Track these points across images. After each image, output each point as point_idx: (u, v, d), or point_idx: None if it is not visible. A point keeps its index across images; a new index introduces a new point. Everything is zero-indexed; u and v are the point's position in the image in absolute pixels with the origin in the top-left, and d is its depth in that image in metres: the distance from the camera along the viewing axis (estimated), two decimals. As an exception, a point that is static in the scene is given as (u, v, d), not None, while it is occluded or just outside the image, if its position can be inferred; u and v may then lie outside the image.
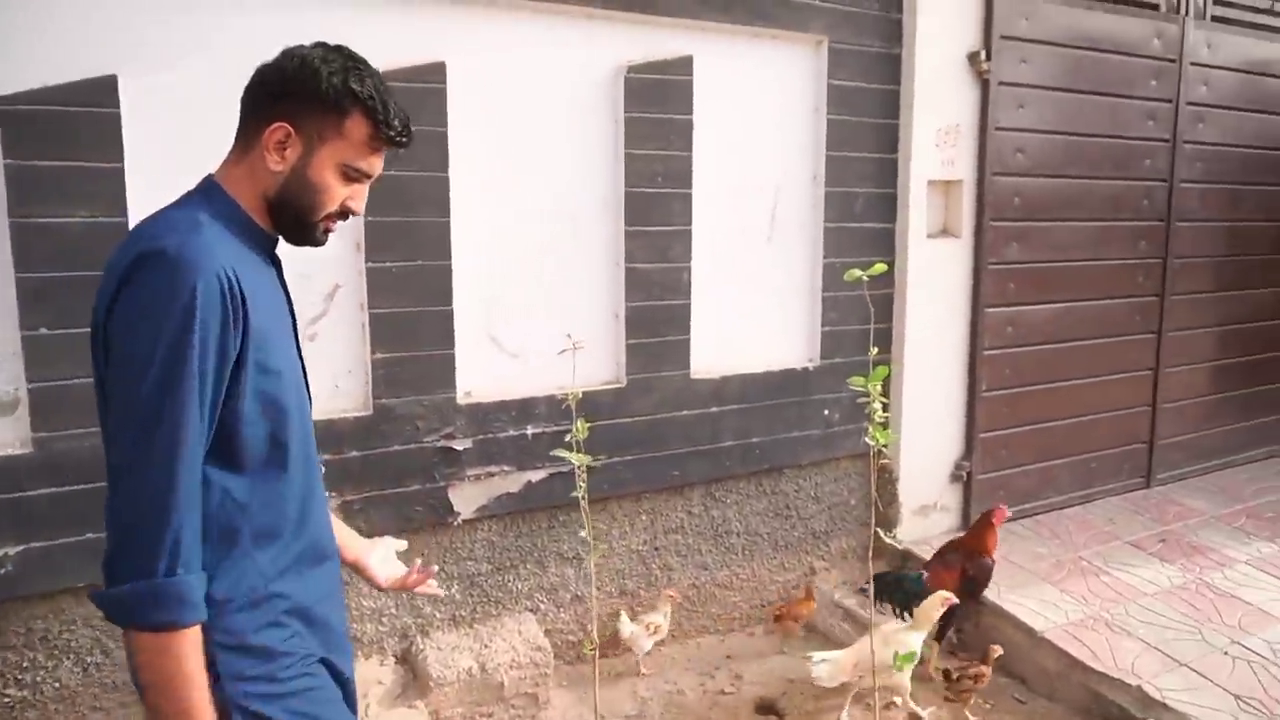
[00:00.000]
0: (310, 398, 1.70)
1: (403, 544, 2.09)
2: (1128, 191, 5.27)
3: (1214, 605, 4.24)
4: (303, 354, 1.70)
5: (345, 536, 1.95)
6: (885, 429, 2.98)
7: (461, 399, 3.61)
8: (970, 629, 4.25)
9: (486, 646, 3.58)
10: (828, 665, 3.51)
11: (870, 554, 3.34)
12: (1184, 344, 5.64)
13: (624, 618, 3.89)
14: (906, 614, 3.86)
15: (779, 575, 4.53)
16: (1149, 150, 5.30)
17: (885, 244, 4.58)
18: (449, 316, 3.53)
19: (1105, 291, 5.27)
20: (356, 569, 1.95)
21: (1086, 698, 3.71)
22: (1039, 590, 4.26)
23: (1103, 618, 4.10)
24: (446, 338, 3.54)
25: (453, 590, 3.66)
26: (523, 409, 3.67)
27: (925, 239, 4.66)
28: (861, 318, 4.38)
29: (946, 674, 3.65)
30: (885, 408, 3.04)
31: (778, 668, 4.04)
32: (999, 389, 4.90)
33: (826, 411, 4.48)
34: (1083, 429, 5.25)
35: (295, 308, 1.72)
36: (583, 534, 3.86)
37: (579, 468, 2.65)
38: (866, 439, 2.99)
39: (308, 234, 1.63)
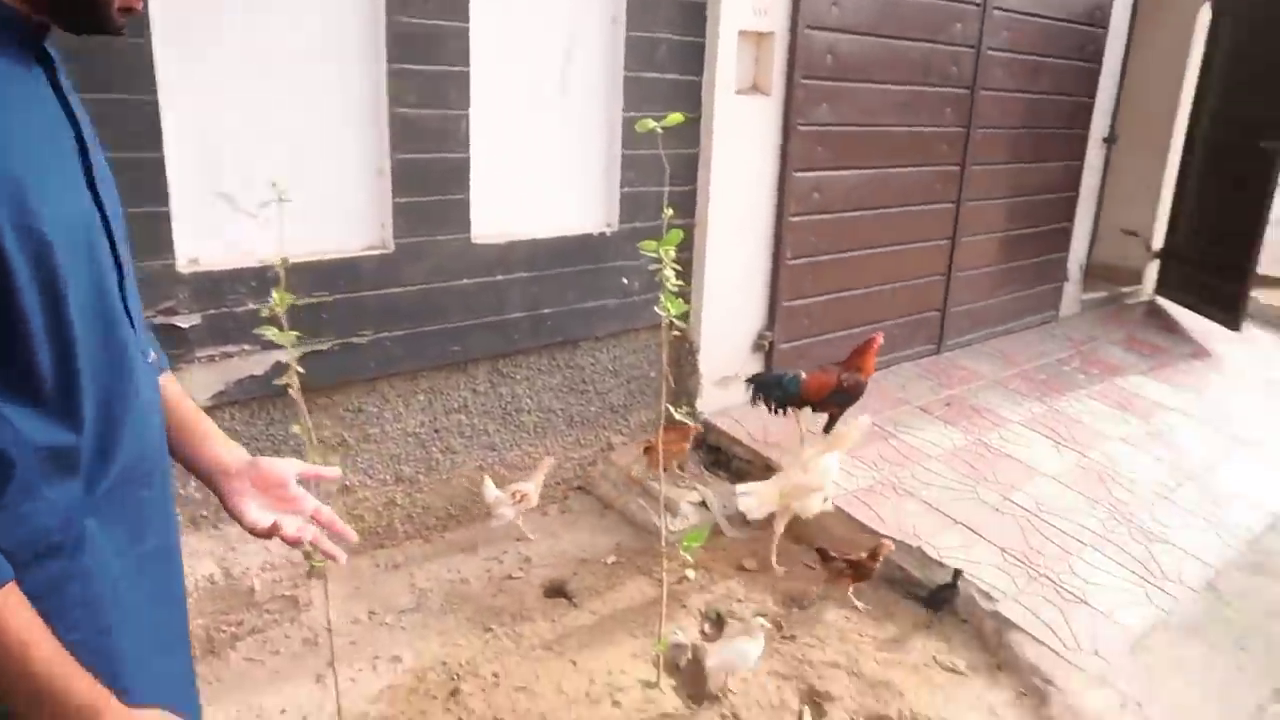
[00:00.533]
0: (119, 254, 1.19)
1: (333, 471, 1.60)
2: (937, 56, 5.14)
3: (990, 464, 4.44)
4: (100, 188, 1.16)
5: (208, 445, 1.45)
6: (678, 298, 2.72)
7: (184, 267, 3.02)
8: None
9: (233, 549, 3.16)
10: (752, 498, 3.59)
11: (660, 428, 3.11)
12: (979, 214, 5.75)
13: (488, 483, 3.71)
14: (781, 411, 4.29)
15: (574, 452, 4.32)
16: (960, 13, 5.17)
17: (691, 99, 4.22)
18: (158, 166, 2.88)
19: (911, 159, 5.21)
20: (215, 492, 1.45)
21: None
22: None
23: (890, 482, 4.19)
24: (157, 193, 2.90)
25: (189, 487, 3.17)
26: (264, 278, 3.12)
27: (734, 95, 4.33)
28: (664, 179, 4.06)
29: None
30: (680, 275, 2.77)
31: (570, 548, 3.87)
32: (803, 257, 4.78)
33: (625, 280, 4.19)
34: (883, 298, 5.28)
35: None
36: (350, 415, 3.50)
37: (289, 351, 2.20)
38: (659, 309, 2.73)
39: (99, 11, 1.09)
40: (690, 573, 3.31)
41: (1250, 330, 7.06)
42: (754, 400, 4.33)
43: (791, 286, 4.77)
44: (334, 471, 1.60)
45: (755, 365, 4.77)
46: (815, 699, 3.03)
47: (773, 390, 4.29)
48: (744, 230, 4.51)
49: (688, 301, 3.66)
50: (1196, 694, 3.15)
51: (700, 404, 4.58)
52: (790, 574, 3.78)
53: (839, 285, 5.02)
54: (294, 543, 1.43)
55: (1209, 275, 6.94)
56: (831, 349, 5.02)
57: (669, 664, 3.08)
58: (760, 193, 4.52)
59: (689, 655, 3.10)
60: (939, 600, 3.48)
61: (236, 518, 1.43)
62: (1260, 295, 8.27)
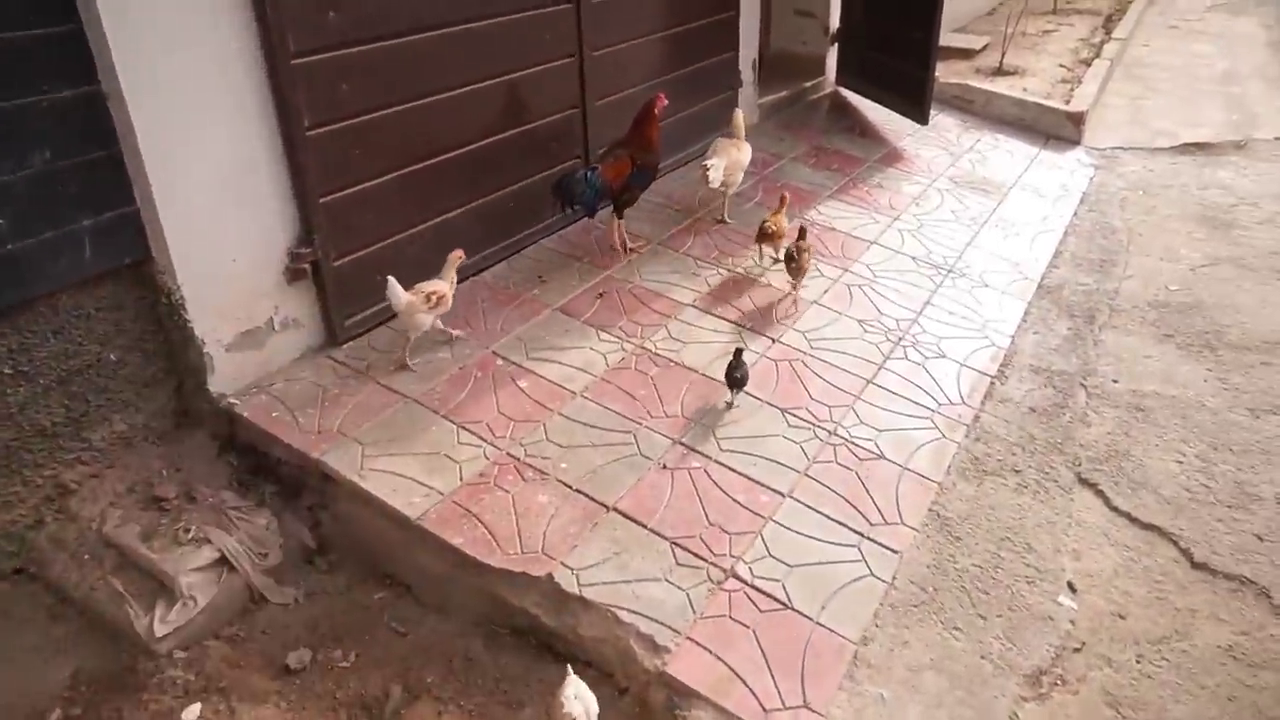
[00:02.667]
0: None
1: None
2: None
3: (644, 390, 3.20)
4: None
5: None
6: None
7: None
8: (329, 521, 2.75)
9: None
10: (715, 170, 3.98)
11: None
12: (612, 15, 4.20)
13: (393, 284, 3.00)
14: (591, 214, 3.89)
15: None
16: None
17: None
18: None
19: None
20: None
21: (480, 599, 2.47)
22: (421, 444, 2.81)
23: (513, 459, 2.81)
24: None
25: None
26: None
27: None
28: None
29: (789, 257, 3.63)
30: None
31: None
32: (338, 120, 3.02)
33: (-33, 219, 2.27)
34: (496, 155, 3.69)
35: None
36: None
37: None
38: None
39: None
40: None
41: (933, 118, 6.34)
42: (562, 209, 3.81)
43: (329, 170, 3.02)
44: None
45: (300, 300, 3.08)
46: None
47: (580, 191, 3.71)
48: (208, 90, 2.65)
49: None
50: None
51: (216, 384, 2.87)
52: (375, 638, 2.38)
53: (415, 151, 3.34)
54: None
55: (892, 58, 6.00)
56: (423, 247, 3.42)
57: None
58: (223, 18, 2.64)
59: None
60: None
61: None
62: (939, 72, 7.66)
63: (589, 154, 4.16)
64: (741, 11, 5.23)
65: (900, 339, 3.62)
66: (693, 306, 3.68)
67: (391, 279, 2.97)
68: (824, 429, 3.05)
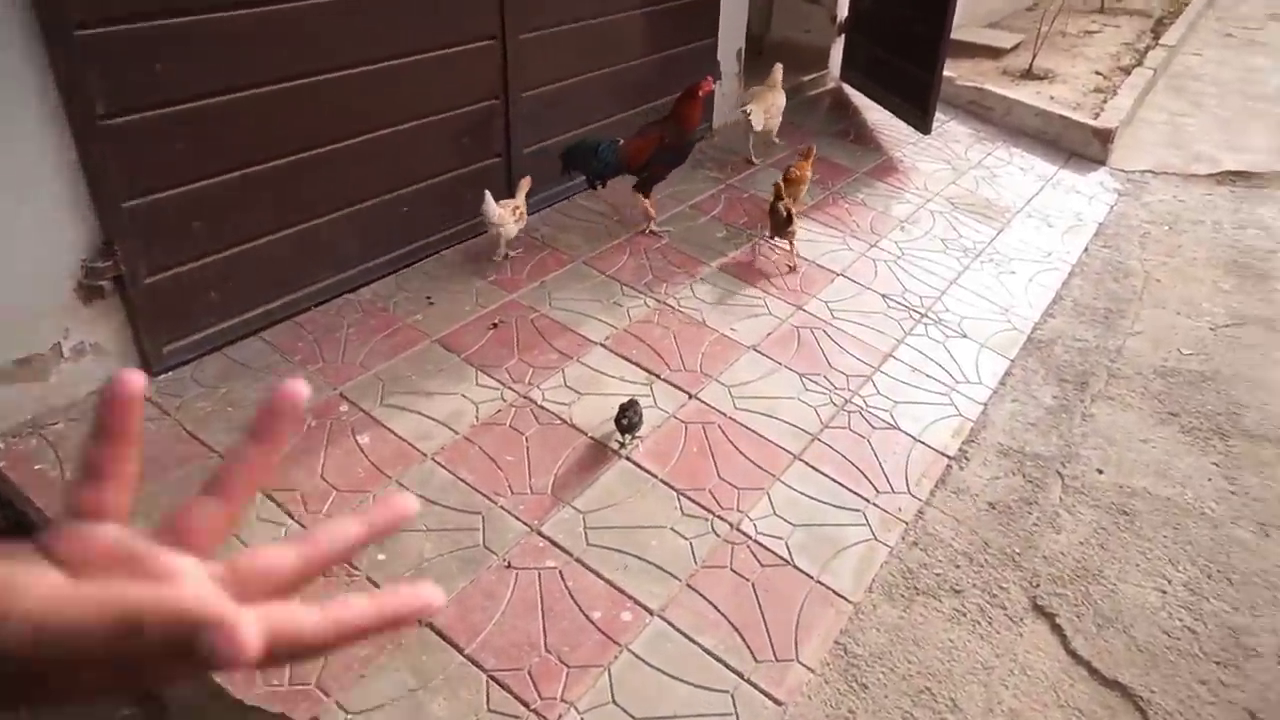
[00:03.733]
0: None
1: None
2: None
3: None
4: None
5: None
6: None
7: None
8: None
9: None
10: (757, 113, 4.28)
11: None
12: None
13: (489, 198, 3.24)
14: (600, 184, 3.69)
15: None
16: None
17: None
18: None
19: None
20: None
21: None
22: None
23: None
24: None
25: None
26: None
27: None
28: None
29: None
30: None
31: None
32: (155, 104, 2.46)
33: None
34: (377, 155, 3.14)
35: None
36: None
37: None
38: None
39: None
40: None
41: (938, 125, 5.68)
42: (565, 174, 3.69)
43: (138, 168, 2.47)
44: None
45: (101, 322, 2.55)
46: None
47: (588, 162, 3.60)
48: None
49: None
50: None
51: (-20, 419, 2.37)
52: None
53: (267, 146, 2.78)
54: None
55: (898, 56, 5.33)
56: (279, 264, 2.87)
57: None
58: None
59: None
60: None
61: None
62: (955, 71, 6.96)
63: (511, 153, 3.58)
64: (723, -4, 4.60)
65: (846, 402, 3.04)
66: (603, 345, 3.12)
67: (487, 194, 3.24)
68: (726, 521, 2.49)
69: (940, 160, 5.18)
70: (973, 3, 8.18)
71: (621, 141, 3.58)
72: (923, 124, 5.13)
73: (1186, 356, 3.71)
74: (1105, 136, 5.74)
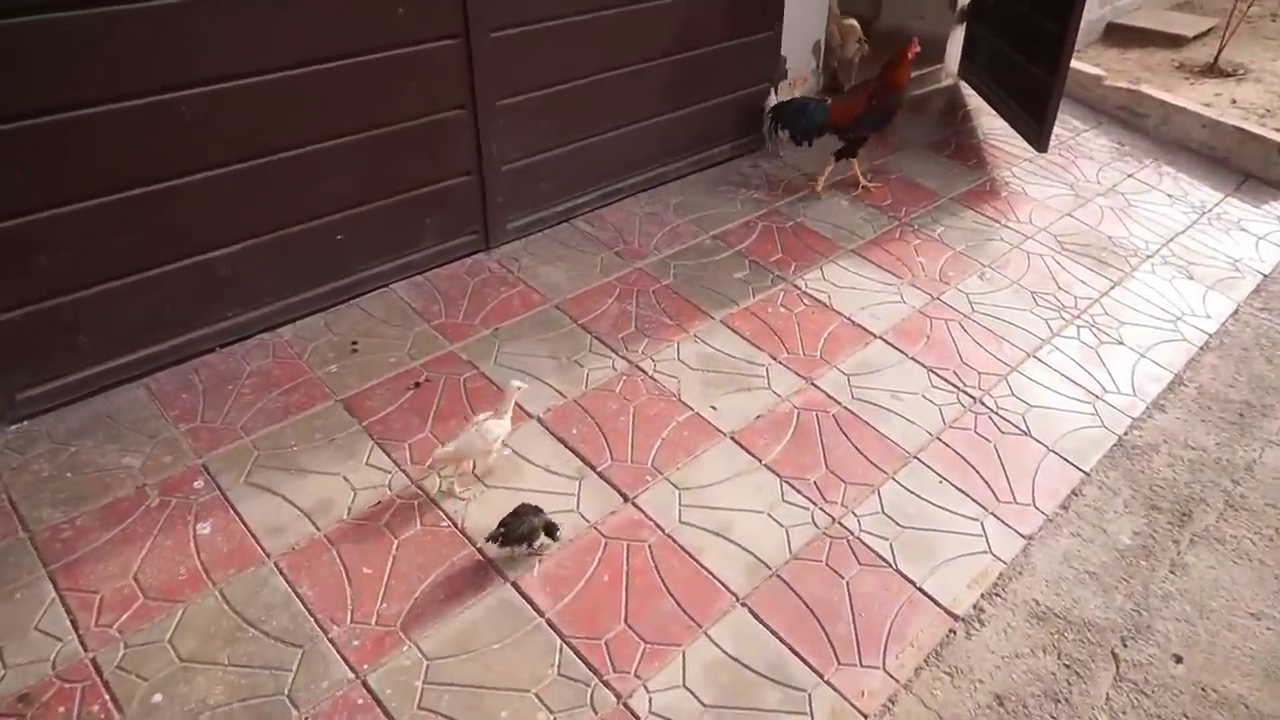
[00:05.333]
0: None
1: None
2: None
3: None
4: None
5: None
6: None
7: None
8: None
9: None
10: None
11: None
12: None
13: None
14: (807, 142, 3.86)
15: None
16: None
17: None
18: None
19: None
20: None
21: None
22: None
23: (88, 679, 1.88)
24: None
25: None
26: None
27: None
28: None
29: None
30: None
31: None
32: None
33: None
34: (297, 176, 2.69)
35: None
36: None
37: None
38: None
39: None
40: None
41: (1071, 137, 4.66)
42: (774, 133, 3.94)
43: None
44: None
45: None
46: None
47: (796, 120, 3.82)
48: None
49: None
50: None
51: None
52: None
53: (137, 167, 2.38)
54: None
55: (1019, 52, 4.38)
56: (166, 308, 2.48)
57: None
58: None
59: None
60: None
61: None
62: (1117, 63, 5.80)
63: (484, 169, 3.06)
64: (792, -24, 3.85)
65: (833, 522, 2.35)
66: (539, 420, 2.57)
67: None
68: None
69: (1059, 184, 4.22)
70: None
71: (829, 101, 3.84)
72: (1037, 139, 4.18)
73: (1351, 484, 2.74)
74: (1296, 158, 4.54)
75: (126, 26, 2.18)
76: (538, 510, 2.14)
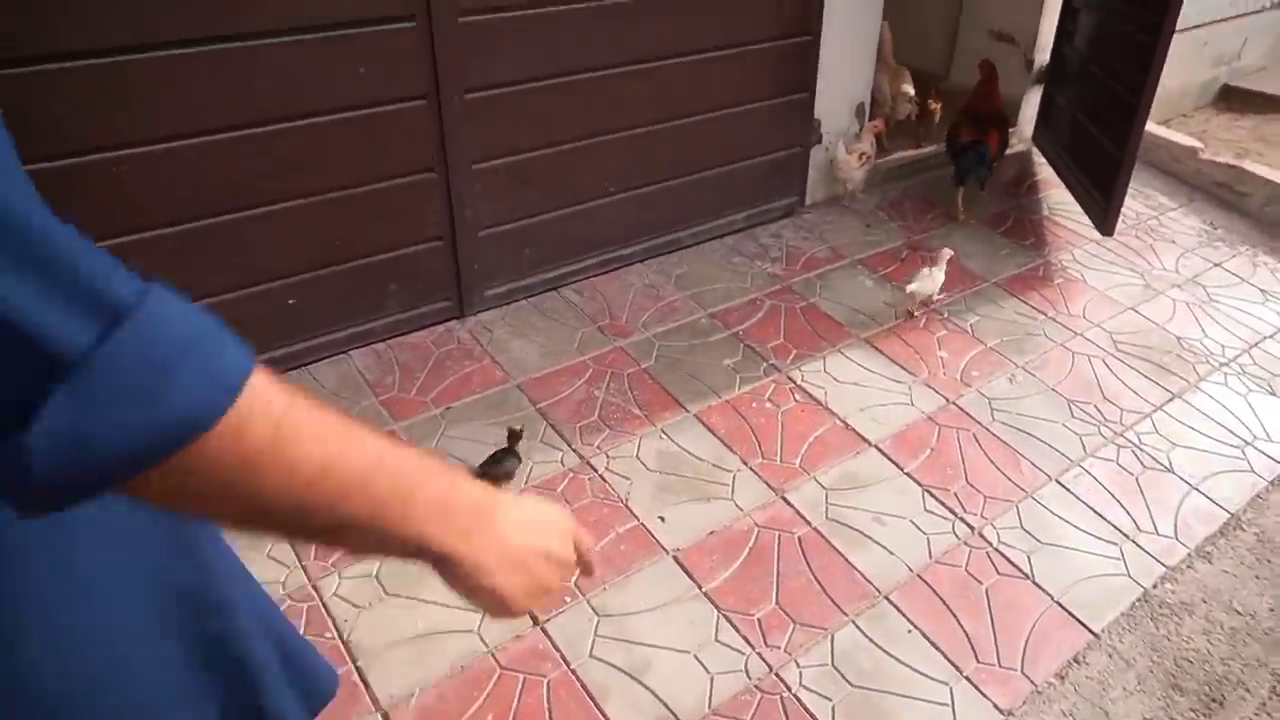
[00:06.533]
0: None
1: None
2: None
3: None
4: None
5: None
6: None
7: None
8: None
9: None
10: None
11: None
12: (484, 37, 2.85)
13: (840, 148, 3.74)
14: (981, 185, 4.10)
15: None
16: None
17: None
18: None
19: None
20: None
21: None
22: None
23: None
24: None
25: None
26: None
27: None
28: None
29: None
30: None
31: None
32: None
33: None
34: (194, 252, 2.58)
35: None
36: None
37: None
38: None
39: None
40: None
41: (1153, 216, 4.15)
42: (959, 181, 3.99)
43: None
44: None
45: None
46: None
47: (980, 165, 3.92)
48: None
49: None
50: None
51: None
52: None
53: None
54: None
55: (1095, 122, 3.95)
56: None
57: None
58: None
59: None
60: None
61: None
62: (1227, 130, 5.22)
63: (457, 235, 2.89)
64: (830, 32, 3.56)
65: (782, 691, 2.03)
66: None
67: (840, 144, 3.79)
68: None
69: (1128, 271, 3.76)
70: None
71: (983, 141, 3.92)
72: (1102, 219, 3.72)
73: None
74: None
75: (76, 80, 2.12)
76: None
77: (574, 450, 2.56)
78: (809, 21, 3.50)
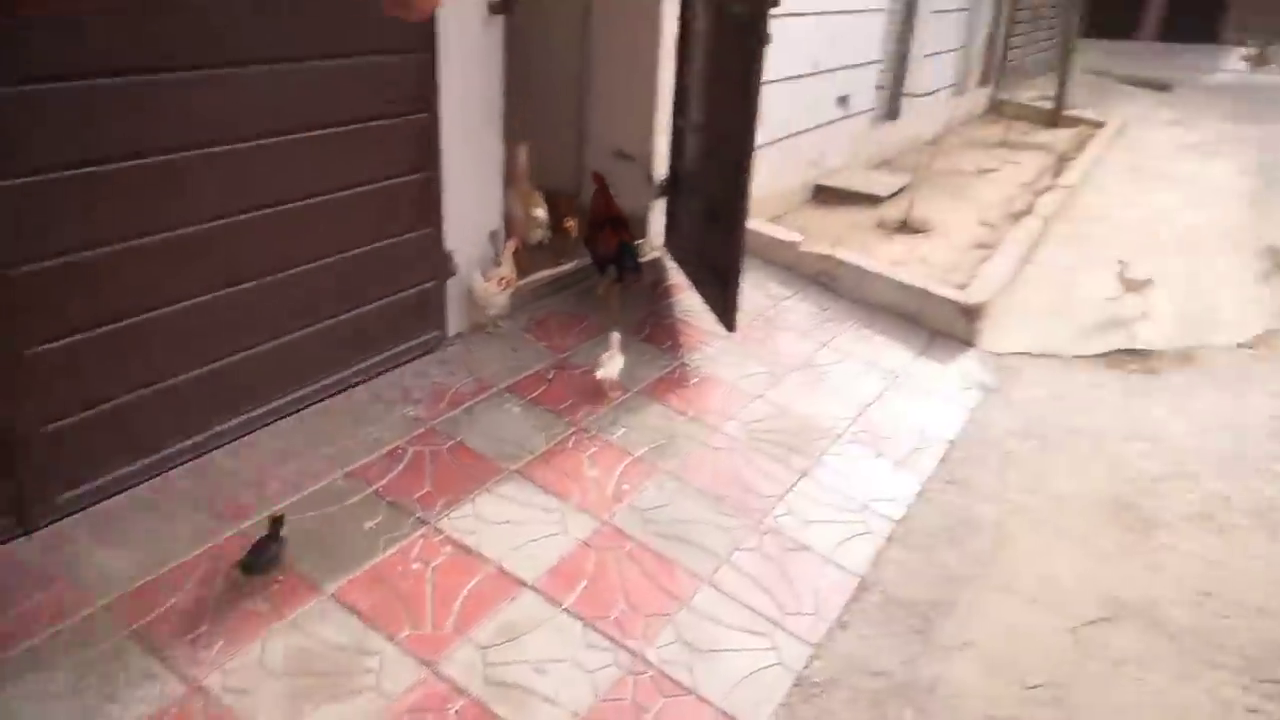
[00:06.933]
0: None
1: None
2: None
3: None
4: None
5: None
6: None
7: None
8: None
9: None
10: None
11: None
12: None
13: (476, 277, 3.74)
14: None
15: None
16: None
17: None
18: None
19: None
20: None
21: None
22: None
23: None
24: None
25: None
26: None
27: None
28: None
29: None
30: None
31: None
32: None
33: None
34: None
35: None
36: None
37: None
38: None
39: None
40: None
41: (770, 306, 4.63)
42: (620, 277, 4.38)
43: None
44: None
45: None
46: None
47: (632, 258, 4.33)
48: None
49: None
50: None
51: None
52: None
53: None
54: None
55: (710, 228, 4.33)
56: None
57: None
58: None
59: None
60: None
61: None
62: (826, 223, 6.03)
63: (9, 434, 2.44)
64: (451, 165, 3.57)
65: None
66: None
67: (476, 274, 3.74)
68: None
69: (755, 361, 4.10)
70: (865, 139, 7.38)
71: (627, 240, 4.34)
72: (724, 316, 4.08)
73: (1031, 691, 2.54)
74: (973, 313, 4.73)
75: None
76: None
77: (178, 676, 2.17)
78: (425, 158, 3.50)
